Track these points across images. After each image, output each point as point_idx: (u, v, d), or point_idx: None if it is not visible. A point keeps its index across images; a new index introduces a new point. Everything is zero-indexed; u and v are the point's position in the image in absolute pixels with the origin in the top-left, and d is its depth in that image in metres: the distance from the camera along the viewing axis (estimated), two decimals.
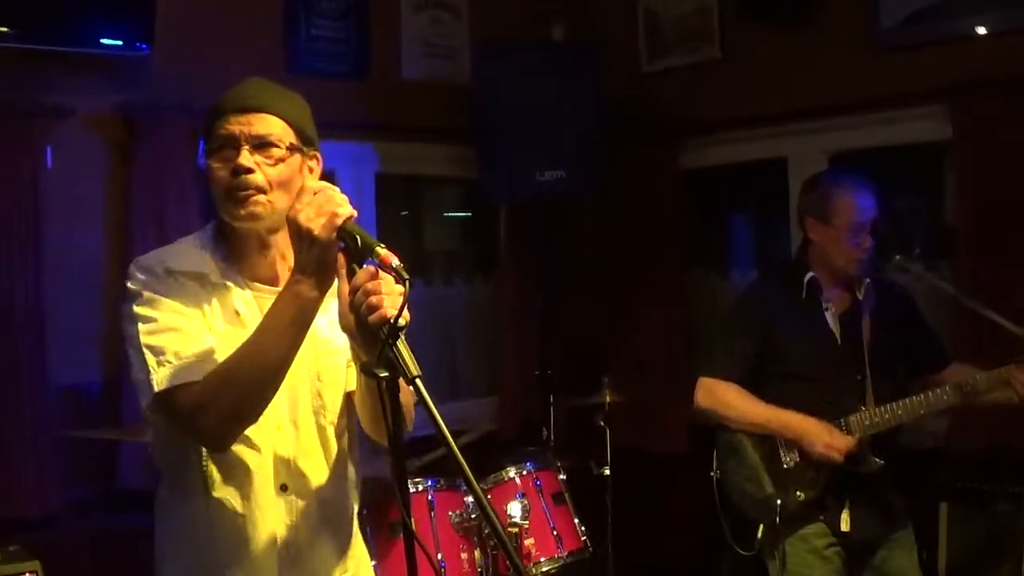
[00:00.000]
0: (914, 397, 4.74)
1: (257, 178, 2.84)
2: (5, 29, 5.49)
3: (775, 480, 4.89)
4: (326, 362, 3.01)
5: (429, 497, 5.40)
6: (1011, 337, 4.67)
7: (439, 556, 5.30)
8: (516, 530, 5.35)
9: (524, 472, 5.71)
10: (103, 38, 5.83)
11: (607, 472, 6.28)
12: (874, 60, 6.41)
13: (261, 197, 2.85)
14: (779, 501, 4.79)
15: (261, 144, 2.87)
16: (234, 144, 2.85)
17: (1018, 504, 5.51)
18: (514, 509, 5.41)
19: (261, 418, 2.83)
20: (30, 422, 5.74)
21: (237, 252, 2.98)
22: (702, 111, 7.30)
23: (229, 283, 2.95)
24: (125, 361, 5.71)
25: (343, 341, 2.87)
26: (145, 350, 2.81)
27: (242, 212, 2.85)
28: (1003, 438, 5.77)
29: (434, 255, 8.15)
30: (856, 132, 6.70)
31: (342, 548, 3.13)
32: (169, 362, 2.78)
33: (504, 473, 5.69)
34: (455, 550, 5.41)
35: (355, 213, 2.62)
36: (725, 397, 5.01)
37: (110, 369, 6.07)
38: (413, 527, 2.62)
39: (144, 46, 5.94)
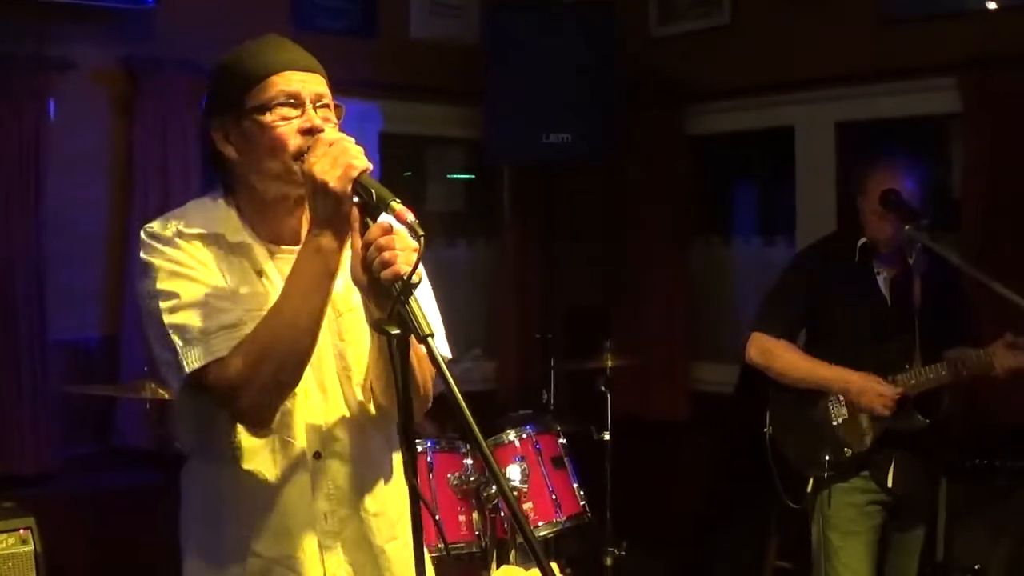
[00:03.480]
0: (957, 357, 4.79)
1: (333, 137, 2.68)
2: None
3: (824, 436, 5.02)
4: (347, 321, 2.87)
5: (428, 459, 5.40)
6: (1017, 310, 4.65)
7: (436, 518, 5.28)
8: (515, 494, 5.34)
9: (524, 435, 5.68)
10: None
11: (607, 437, 6.26)
12: (885, 31, 6.39)
13: None
14: (828, 457, 4.95)
15: (322, 104, 2.77)
16: (296, 102, 2.73)
17: (1017, 480, 5.52)
18: (513, 472, 5.39)
19: None
20: (28, 377, 5.75)
21: (262, 212, 2.84)
22: (711, 77, 7.28)
23: (248, 241, 2.81)
24: (131, 321, 5.80)
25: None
26: (170, 331, 2.68)
27: None
28: (1003, 414, 5.78)
29: (437, 216, 8.11)
30: (865, 103, 6.67)
31: (389, 515, 2.97)
32: (197, 339, 2.65)
33: (504, 436, 5.66)
34: (453, 512, 5.41)
35: (371, 166, 2.56)
36: (775, 352, 5.13)
37: (109, 325, 6.08)
38: (419, 488, 2.55)
39: (149, 0, 5.90)
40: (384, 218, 2.48)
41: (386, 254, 2.44)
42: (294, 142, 2.70)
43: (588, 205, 7.96)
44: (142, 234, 2.81)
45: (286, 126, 2.71)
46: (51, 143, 5.81)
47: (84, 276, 6.06)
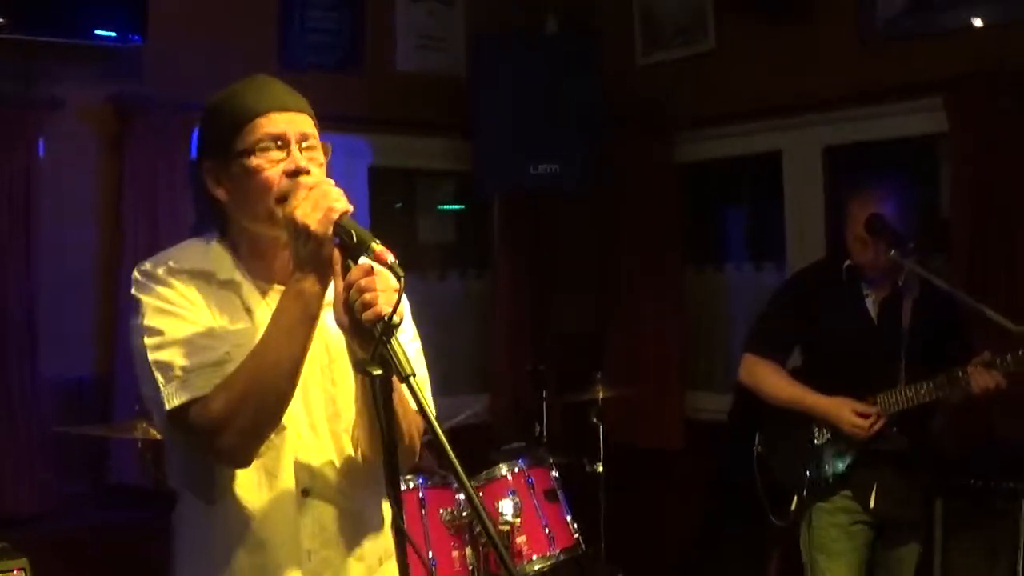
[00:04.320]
0: (938, 377, 4.84)
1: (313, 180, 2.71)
2: None
3: (808, 455, 5.12)
4: (339, 366, 2.89)
5: (420, 495, 5.40)
6: (1004, 332, 4.66)
7: (430, 554, 5.29)
8: (508, 528, 5.34)
9: (516, 469, 5.69)
10: (96, 29, 5.83)
11: (600, 469, 6.26)
12: (870, 53, 6.40)
13: None
14: (808, 474, 5.08)
15: (308, 145, 2.79)
16: (282, 143, 2.75)
17: (1014, 501, 5.51)
18: (506, 507, 5.40)
19: (282, 422, 2.76)
20: (21, 417, 5.73)
21: (255, 252, 2.88)
22: (697, 104, 7.28)
23: (239, 279, 2.85)
24: (123, 360, 5.78)
25: None
26: (153, 367, 2.71)
27: None
28: (999, 434, 5.77)
29: (428, 248, 8.12)
30: (851, 126, 6.67)
31: (370, 563, 2.99)
32: (177, 377, 2.68)
33: (496, 470, 5.67)
34: (446, 548, 5.40)
35: (351, 208, 2.57)
36: (762, 374, 5.28)
37: (102, 364, 6.06)
38: (405, 528, 2.56)
39: (137, 37, 5.93)
40: (365, 260, 2.50)
41: (367, 295, 2.46)
42: (279, 185, 2.72)
43: (579, 234, 7.96)
44: (135, 272, 2.84)
45: (271, 168, 2.73)
46: (41, 182, 5.80)
47: (76, 315, 6.03)
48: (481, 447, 6.22)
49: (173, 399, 2.68)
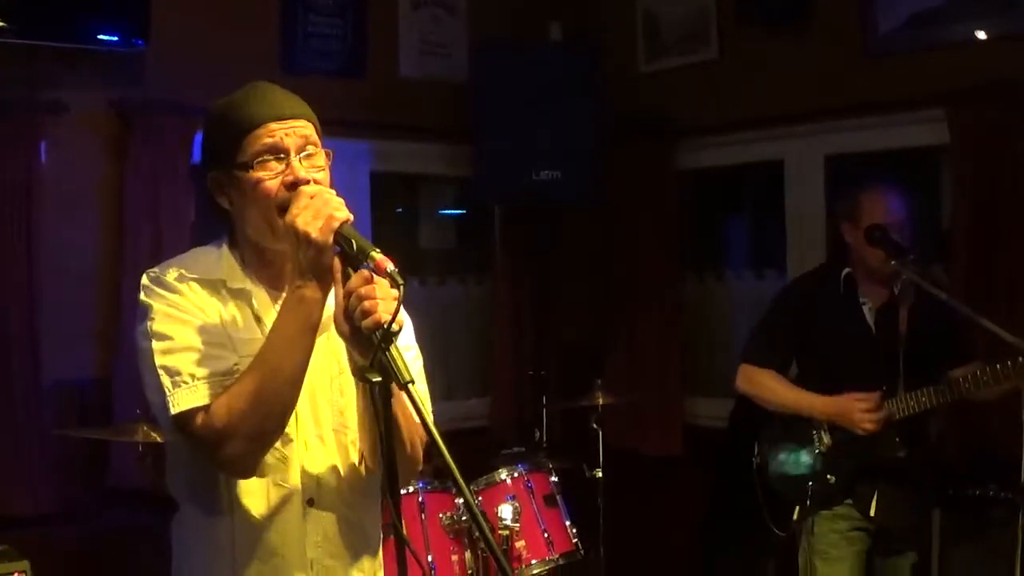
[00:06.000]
0: (939, 384, 4.86)
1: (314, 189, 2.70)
2: (1, 24, 5.47)
3: (808, 464, 5.15)
4: (347, 378, 2.89)
5: (420, 499, 5.40)
6: (1003, 344, 4.67)
7: (429, 558, 5.30)
8: (507, 532, 5.34)
9: (515, 474, 5.70)
10: (99, 34, 5.83)
11: (599, 474, 6.26)
12: (872, 64, 6.39)
13: None
14: (811, 483, 5.07)
15: (308, 153, 2.78)
16: (281, 154, 2.75)
17: (1011, 511, 5.51)
18: (505, 511, 5.39)
19: (289, 433, 2.78)
20: (22, 419, 5.74)
21: (261, 260, 2.88)
22: (699, 112, 7.29)
23: (249, 288, 2.86)
24: (125, 363, 5.78)
25: None
26: (160, 371, 2.71)
27: None
28: (995, 444, 5.77)
29: (429, 254, 8.14)
30: (853, 136, 6.68)
31: (369, 573, 3.03)
32: (185, 383, 2.68)
33: (495, 475, 5.67)
34: (446, 552, 5.40)
35: (351, 217, 2.58)
36: (761, 381, 5.28)
37: (103, 367, 6.06)
38: (405, 534, 2.57)
39: (140, 42, 5.93)
40: (365, 268, 2.51)
41: (367, 303, 2.47)
42: (278, 195, 2.72)
43: (579, 241, 7.98)
44: (144, 278, 2.84)
45: (270, 180, 2.73)
46: (43, 186, 5.81)
47: (77, 317, 6.05)
48: (481, 452, 6.22)
49: (179, 404, 2.68)
